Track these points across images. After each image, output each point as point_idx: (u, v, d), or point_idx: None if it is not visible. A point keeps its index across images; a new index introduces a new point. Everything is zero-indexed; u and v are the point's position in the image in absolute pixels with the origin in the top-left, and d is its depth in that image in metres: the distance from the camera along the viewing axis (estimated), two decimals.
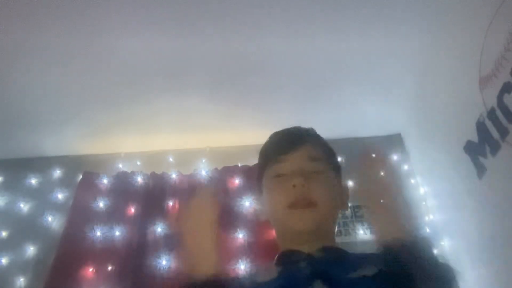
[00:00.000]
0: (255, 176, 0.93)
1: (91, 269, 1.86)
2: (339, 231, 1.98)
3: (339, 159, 2.17)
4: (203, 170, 2.12)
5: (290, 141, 0.84)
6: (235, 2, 1.56)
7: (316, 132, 0.93)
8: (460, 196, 1.74)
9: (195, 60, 1.83)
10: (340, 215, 2.04)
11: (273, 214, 0.82)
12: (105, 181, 2.13)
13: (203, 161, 2.19)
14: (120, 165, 2.24)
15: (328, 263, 0.70)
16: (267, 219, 0.88)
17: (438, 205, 2.02)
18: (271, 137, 0.92)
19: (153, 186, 2.12)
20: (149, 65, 1.84)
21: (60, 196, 2.16)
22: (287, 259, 0.76)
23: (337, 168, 0.90)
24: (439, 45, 1.70)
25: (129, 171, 2.16)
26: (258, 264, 1.73)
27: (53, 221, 2.09)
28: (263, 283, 0.72)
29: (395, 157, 2.24)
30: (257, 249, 1.82)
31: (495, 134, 1.37)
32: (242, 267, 1.78)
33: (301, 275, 0.69)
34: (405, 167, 2.22)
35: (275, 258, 0.80)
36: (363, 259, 0.72)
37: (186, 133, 2.29)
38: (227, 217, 1.93)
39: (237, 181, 2.09)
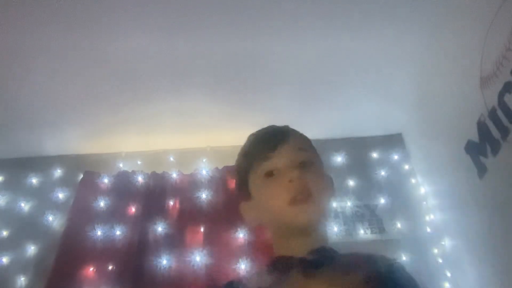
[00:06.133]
0: (237, 182, 0.88)
1: (91, 269, 1.86)
2: (339, 231, 1.97)
3: (339, 159, 2.18)
4: (204, 170, 2.12)
5: (276, 136, 0.81)
6: (235, 2, 1.56)
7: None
8: (460, 196, 1.74)
9: (196, 60, 1.83)
10: (340, 215, 2.03)
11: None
12: (105, 180, 2.13)
13: (204, 160, 2.19)
14: (121, 165, 2.24)
15: (321, 265, 0.69)
16: (260, 223, 0.85)
17: (438, 205, 2.02)
18: (250, 138, 0.88)
19: (154, 185, 2.11)
20: (150, 65, 1.84)
21: (61, 195, 2.16)
22: (280, 265, 0.75)
23: (320, 158, 0.88)
24: (440, 45, 1.70)
25: (130, 171, 2.16)
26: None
27: (54, 221, 2.09)
28: None
29: (395, 157, 2.25)
30: (257, 248, 1.82)
31: (496, 133, 1.37)
32: (242, 267, 1.78)
33: (295, 279, 0.68)
34: (406, 166, 2.22)
35: (269, 264, 0.79)
36: (353, 259, 0.72)
37: (187, 133, 2.29)
38: (228, 217, 1.93)
39: None
